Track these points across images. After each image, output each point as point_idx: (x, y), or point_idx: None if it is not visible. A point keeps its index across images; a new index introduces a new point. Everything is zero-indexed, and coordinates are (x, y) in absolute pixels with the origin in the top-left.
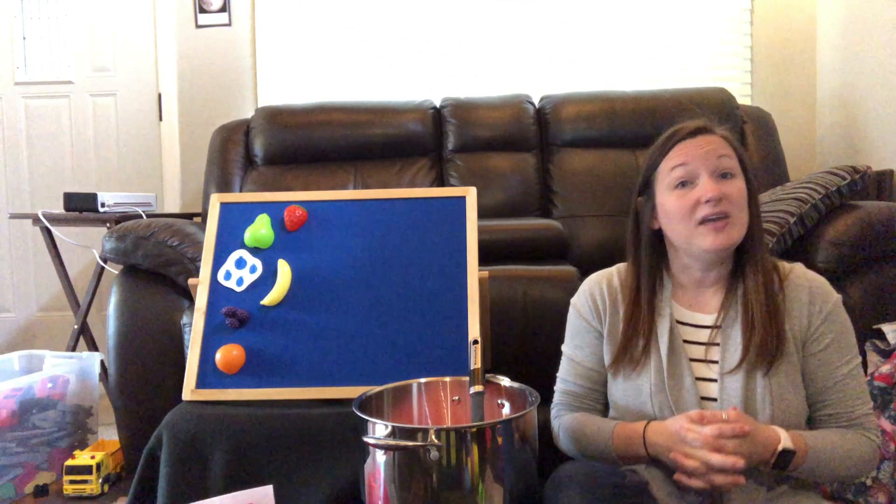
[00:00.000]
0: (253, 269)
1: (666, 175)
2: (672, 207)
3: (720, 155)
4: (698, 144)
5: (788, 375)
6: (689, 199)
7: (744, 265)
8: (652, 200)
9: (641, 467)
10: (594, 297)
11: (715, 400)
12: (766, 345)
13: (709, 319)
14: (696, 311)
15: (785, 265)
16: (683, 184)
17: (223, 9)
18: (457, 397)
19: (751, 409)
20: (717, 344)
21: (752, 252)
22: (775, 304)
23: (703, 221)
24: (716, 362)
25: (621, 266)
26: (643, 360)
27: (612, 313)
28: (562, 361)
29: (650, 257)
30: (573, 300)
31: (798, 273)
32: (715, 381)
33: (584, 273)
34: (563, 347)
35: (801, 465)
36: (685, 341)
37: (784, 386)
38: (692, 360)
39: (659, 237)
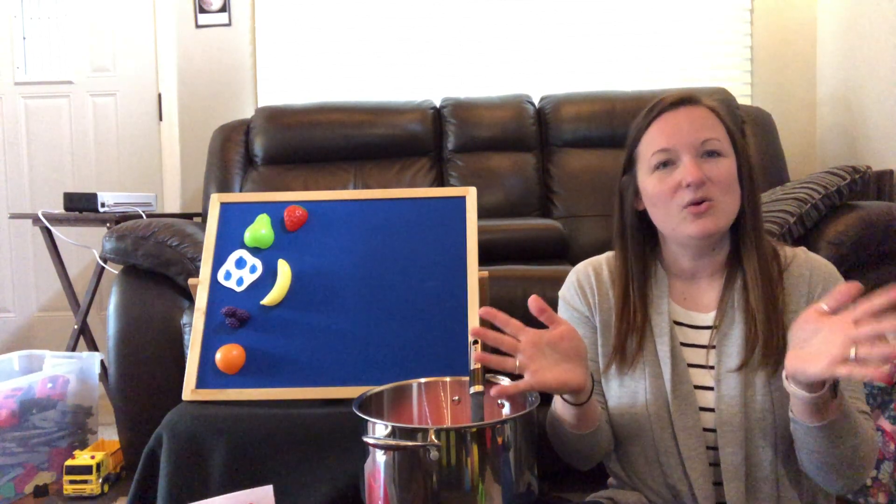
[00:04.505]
0: (253, 269)
1: (647, 157)
2: (652, 191)
3: (706, 138)
4: (680, 120)
5: None
6: (669, 182)
7: (740, 251)
8: (634, 180)
9: (622, 496)
10: (582, 287)
11: (713, 410)
12: (771, 345)
13: (706, 319)
14: (692, 310)
15: (787, 251)
16: (665, 164)
17: (223, 9)
18: (457, 397)
19: (750, 419)
20: (714, 347)
21: (746, 236)
22: (774, 297)
23: (686, 206)
24: (713, 368)
25: (610, 255)
26: (637, 359)
27: (602, 302)
28: None
29: (637, 241)
30: (561, 292)
31: (800, 261)
32: (712, 389)
33: None
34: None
35: (837, 409)
36: (682, 344)
37: (785, 393)
38: (690, 365)
39: (645, 220)
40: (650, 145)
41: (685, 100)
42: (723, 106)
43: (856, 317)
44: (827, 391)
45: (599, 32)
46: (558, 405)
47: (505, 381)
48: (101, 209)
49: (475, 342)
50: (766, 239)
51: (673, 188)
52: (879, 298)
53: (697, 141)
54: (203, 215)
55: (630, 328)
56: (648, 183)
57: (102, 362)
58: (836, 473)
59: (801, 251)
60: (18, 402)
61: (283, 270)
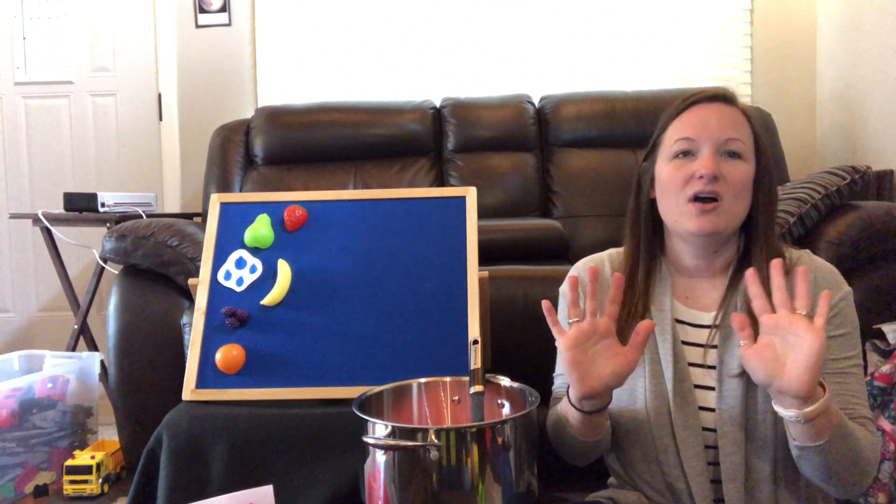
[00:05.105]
0: (253, 269)
1: (669, 144)
2: (666, 178)
3: (730, 137)
4: (711, 114)
5: None
6: (684, 171)
7: (750, 255)
8: (653, 166)
9: (622, 495)
10: (583, 283)
11: (713, 410)
12: None
13: (707, 318)
14: (694, 308)
15: (793, 254)
16: (685, 153)
17: (223, 9)
18: (457, 397)
19: (751, 422)
20: (716, 346)
21: (757, 242)
22: None
23: (694, 199)
24: (714, 367)
25: (612, 252)
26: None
27: (603, 299)
28: (557, 357)
29: (648, 228)
30: (561, 288)
31: (803, 263)
32: (713, 388)
33: None
34: (557, 342)
35: (831, 428)
36: (683, 342)
37: None
38: (689, 364)
39: (656, 209)
40: (675, 133)
41: (721, 97)
42: (758, 116)
43: (776, 304)
44: (826, 396)
45: (599, 32)
46: (569, 412)
47: (505, 382)
48: (101, 209)
49: (475, 342)
50: (777, 246)
51: (686, 177)
52: (753, 287)
53: (722, 138)
54: (203, 215)
55: (631, 314)
56: (664, 169)
57: (102, 362)
58: (839, 482)
59: (806, 254)
60: (18, 402)
61: (283, 270)
